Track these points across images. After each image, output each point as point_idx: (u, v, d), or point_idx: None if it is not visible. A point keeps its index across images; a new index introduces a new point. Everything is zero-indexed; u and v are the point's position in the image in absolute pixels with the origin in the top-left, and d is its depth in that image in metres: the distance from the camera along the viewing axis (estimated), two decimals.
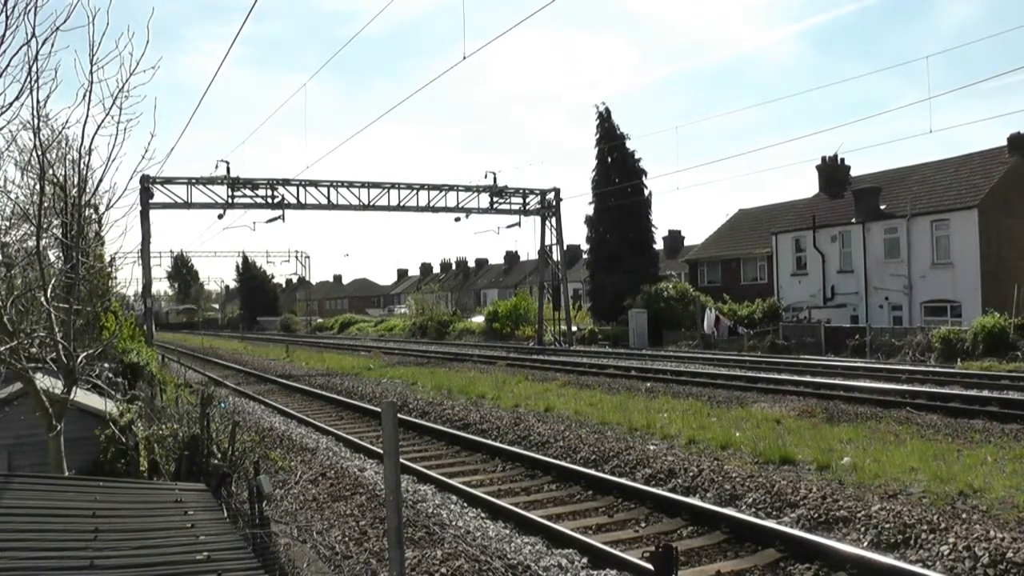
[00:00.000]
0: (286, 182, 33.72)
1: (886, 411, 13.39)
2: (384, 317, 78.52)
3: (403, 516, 5.54)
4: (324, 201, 34.43)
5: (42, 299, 5.89)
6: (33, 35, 5.12)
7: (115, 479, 6.52)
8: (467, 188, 36.67)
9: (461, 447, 12.44)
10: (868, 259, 35.84)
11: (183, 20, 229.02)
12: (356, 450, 12.39)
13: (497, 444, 12.02)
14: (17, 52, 5.15)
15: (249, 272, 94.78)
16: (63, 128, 6.36)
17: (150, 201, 31.16)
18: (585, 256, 50.71)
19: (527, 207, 38.55)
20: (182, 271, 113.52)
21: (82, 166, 6.45)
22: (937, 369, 19.81)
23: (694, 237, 70.17)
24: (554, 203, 38.56)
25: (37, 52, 5.17)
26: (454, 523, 7.86)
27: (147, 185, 30.62)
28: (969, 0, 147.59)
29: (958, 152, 40.93)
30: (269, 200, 33.63)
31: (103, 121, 5.79)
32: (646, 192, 42.42)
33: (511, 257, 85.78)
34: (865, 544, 6.77)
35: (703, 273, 47.71)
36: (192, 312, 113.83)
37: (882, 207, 35.87)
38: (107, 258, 10.95)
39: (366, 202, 34.95)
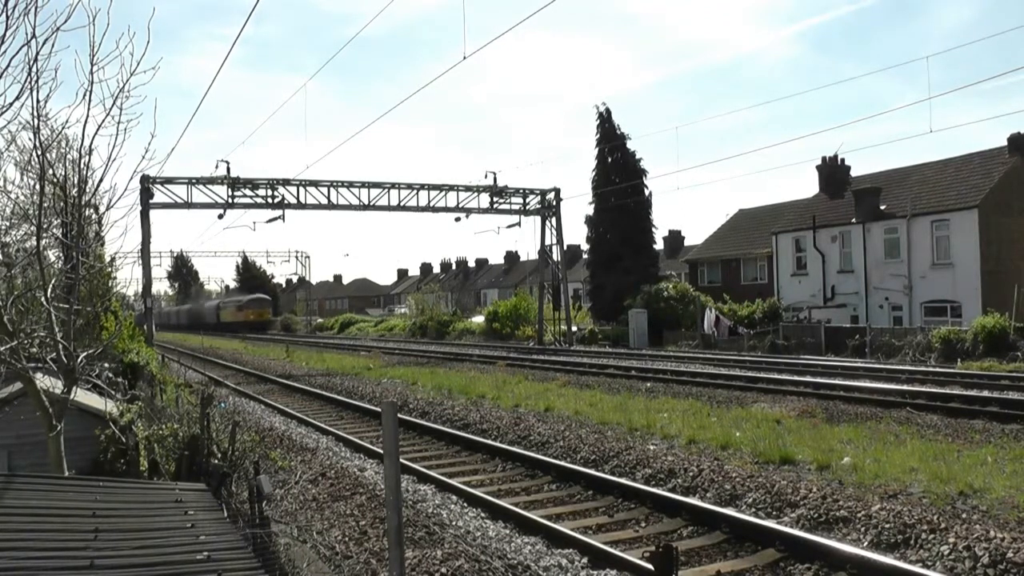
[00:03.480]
0: (286, 182, 33.74)
1: (886, 411, 13.39)
2: (384, 317, 78.37)
3: (403, 516, 5.54)
4: (324, 201, 34.44)
5: (42, 299, 5.89)
6: (33, 35, 5.13)
7: (115, 479, 6.52)
8: (467, 188, 36.68)
9: (461, 447, 12.44)
10: (868, 259, 35.85)
11: (183, 21, 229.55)
12: (356, 450, 12.38)
13: (497, 444, 12.01)
14: (17, 52, 5.16)
15: (249, 272, 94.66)
16: (63, 128, 6.37)
17: (150, 201, 31.18)
18: (585, 256, 50.71)
19: (527, 207, 38.56)
20: (182, 271, 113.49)
21: (82, 166, 6.47)
22: (937, 369, 19.80)
23: (694, 237, 70.27)
24: (554, 203, 38.57)
25: (37, 52, 5.18)
26: (454, 523, 7.85)
27: (147, 185, 30.64)
28: (968, 0, 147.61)
29: (958, 152, 40.99)
30: (269, 200, 33.64)
31: (103, 121, 5.80)
32: (646, 192, 42.49)
33: (511, 257, 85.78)
34: (865, 544, 6.77)
35: (703, 273, 47.72)
36: (263, 308, 72.65)
37: (882, 207, 35.87)
38: (107, 258, 10.95)
39: (366, 202, 34.97)
